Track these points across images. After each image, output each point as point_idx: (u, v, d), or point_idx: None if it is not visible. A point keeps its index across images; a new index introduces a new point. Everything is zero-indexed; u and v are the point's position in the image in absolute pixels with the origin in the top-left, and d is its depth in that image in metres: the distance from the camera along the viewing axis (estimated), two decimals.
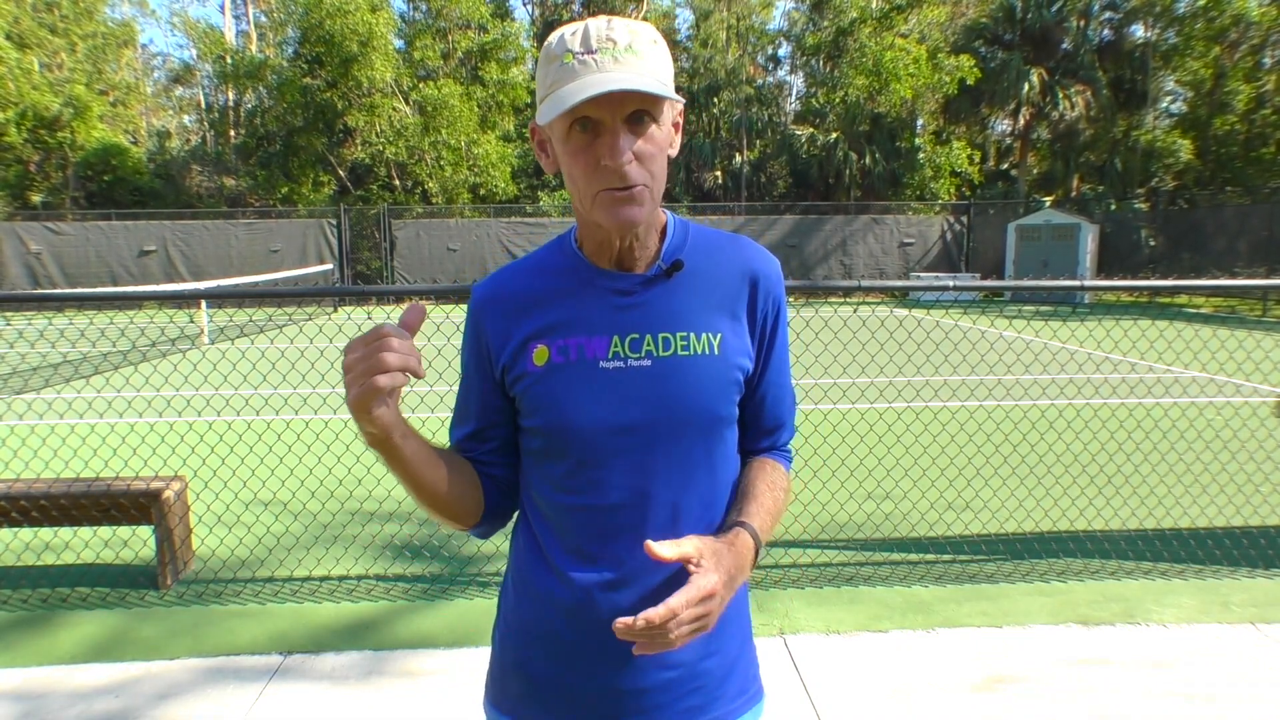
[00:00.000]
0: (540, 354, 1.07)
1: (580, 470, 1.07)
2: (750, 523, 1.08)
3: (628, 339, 1.06)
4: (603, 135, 0.97)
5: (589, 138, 0.97)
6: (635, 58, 0.95)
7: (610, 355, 1.06)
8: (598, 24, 0.96)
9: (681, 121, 1.08)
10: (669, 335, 1.07)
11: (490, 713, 1.19)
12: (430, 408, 6.72)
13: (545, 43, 1.00)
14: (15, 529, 3.92)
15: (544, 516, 1.12)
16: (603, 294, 1.08)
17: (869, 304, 20.98)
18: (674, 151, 1.06)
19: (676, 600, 0.93)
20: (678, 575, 1.08)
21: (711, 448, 1.10)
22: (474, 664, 3.01)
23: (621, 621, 0.92)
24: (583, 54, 0.95)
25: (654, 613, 0.91)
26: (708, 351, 1.08)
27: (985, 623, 3.29)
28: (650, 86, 0.94)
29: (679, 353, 1.07)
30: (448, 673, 2.96)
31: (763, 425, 1.20)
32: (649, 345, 1.06)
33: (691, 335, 1.07)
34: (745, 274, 1.13)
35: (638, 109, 0.97)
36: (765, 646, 3.10)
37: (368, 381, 0.87)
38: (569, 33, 0.97)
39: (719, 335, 1.09)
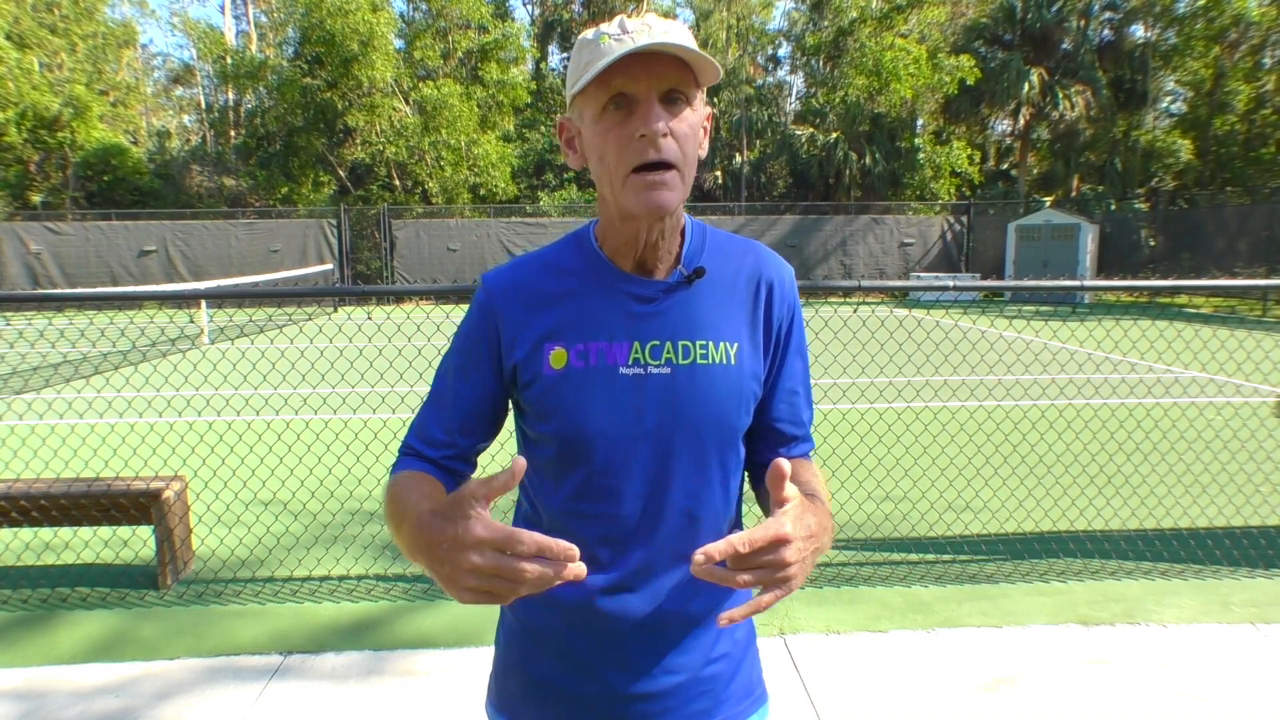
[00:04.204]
0: (558, 357, 1.05)
1: (596, 478, 1.05)
2: (819, 496, 1.03)
3: (648, 345, 1.05)
4: (637, 110, 0.96)
5: (623, 115, 0.97)
6: (671, 38, 0.95)
7: (630, 361, 1.04)
8: (633, 18, 0.98)
9: (710, 127, 1.07)
10: (689, 343, 1.06)
11: (493, 717, 1.18)
12: None
13: (579, 38, 1.01)
14: (15, 529, 3.91)
15: (550, 521, 1.11)
16: (623, 299, 1.06)
17: (869, 304, 20.98)
18: (703, 153, 1.05)
19: (738, 536, 0.84)
20: (685, 582, 1.08)
21: (726, 457, 1.09)
22: (474, 664, 3.01)
23: (700, 552, 0.81)
24: (619, 34, 0.95)
25: (714, 547, 0.81)
26: (726, 361, 1.07)
27: (985, 623, 3.29)
28: (690, 45, 0.94)
29: (698, 361, 1.05)
30: (448, 673, 2.96)
31: (784, 433, 1.17)
32: (669, 353, 1.05)
33: (711, 344, 1.06)
34: (761, 282, 1.12)
35: (673, 88, 0.97)
36: (765, 646, 3.10)
37: (503, 591, 0.80)
38: (605, 24, 0.98)
39: (736, 345, 1.08)
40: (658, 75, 0.95)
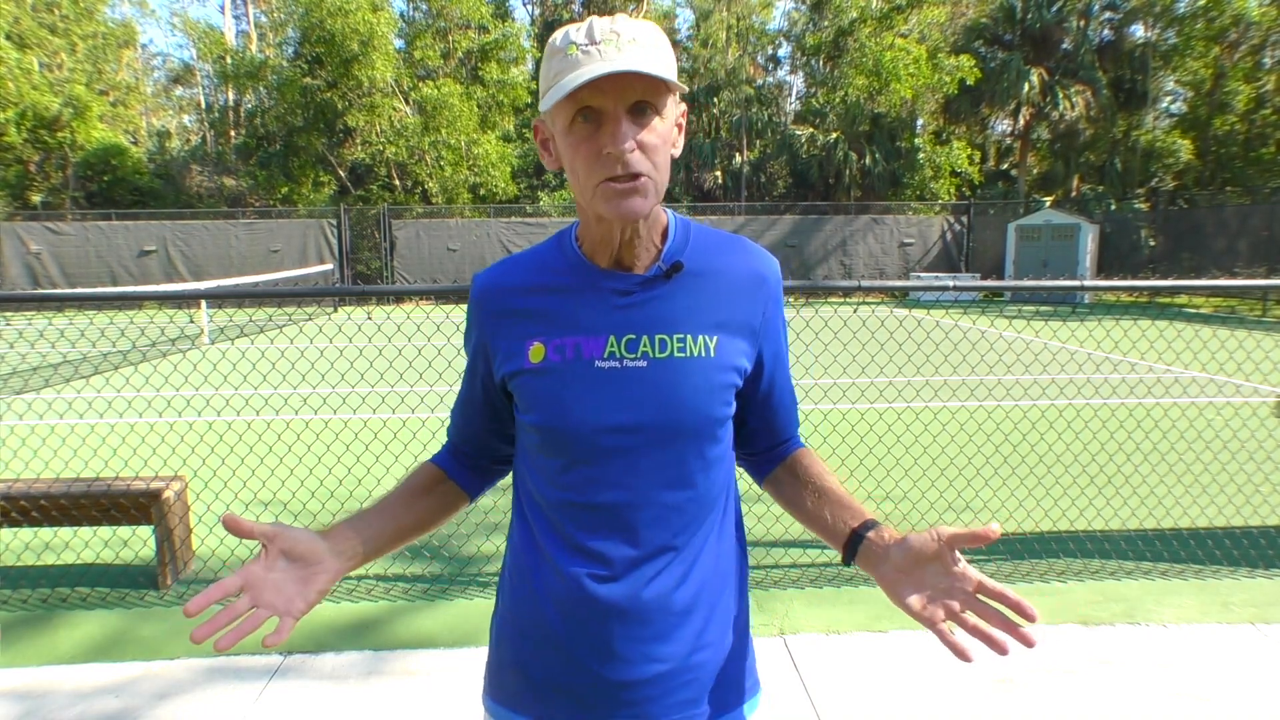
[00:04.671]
0: (536, 351, 1.08)
1: (575, 468, 1.07)
2: (873, 520, 1.13)
3: (624, 339, 1.06)
4: (605, 124, 0.97)
5: (591, 128, 0.97)
6: (639, 49, 0.95)
7: (606, 355, 1.06)
8: (602, 21, 0.97)
9: (684, 123, 1.08)
10: (665, 337, 1.07)
11: (488, 705, 1.20)
12: (430, 408, 6.72)
13: (549, 41, 1.00)
14: (15, 529, 3.91)
15: (539, 510, 1.13)
16: (601, 293, 1.08)
17: (869, 304, 20.99)
18: (676, 151, 1.06)
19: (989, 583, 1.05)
20: (666, 571, 1.09)
21: (705, 449, 1.10)
22: (474, 664, 3.01)
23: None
24: (586, 45, 0.95)
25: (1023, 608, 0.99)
26: (704, 354, 1.08)
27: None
28: (654, 69, 0.94)
29: (675, 354, 1.07)
30: (448, 672, 2.96)
31: (780, 423, 1.24)
32: (645, 346, 1.06)
33: (689, 337, 1.08)
34: (746, 276, 1.13)
35: (641, 99, 0.97)
36: (765, 646, 3.10)
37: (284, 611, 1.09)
38: (573, 29, 0.98)
39: (716, 338, 1.09)
40: (625, 88, 0.95)
